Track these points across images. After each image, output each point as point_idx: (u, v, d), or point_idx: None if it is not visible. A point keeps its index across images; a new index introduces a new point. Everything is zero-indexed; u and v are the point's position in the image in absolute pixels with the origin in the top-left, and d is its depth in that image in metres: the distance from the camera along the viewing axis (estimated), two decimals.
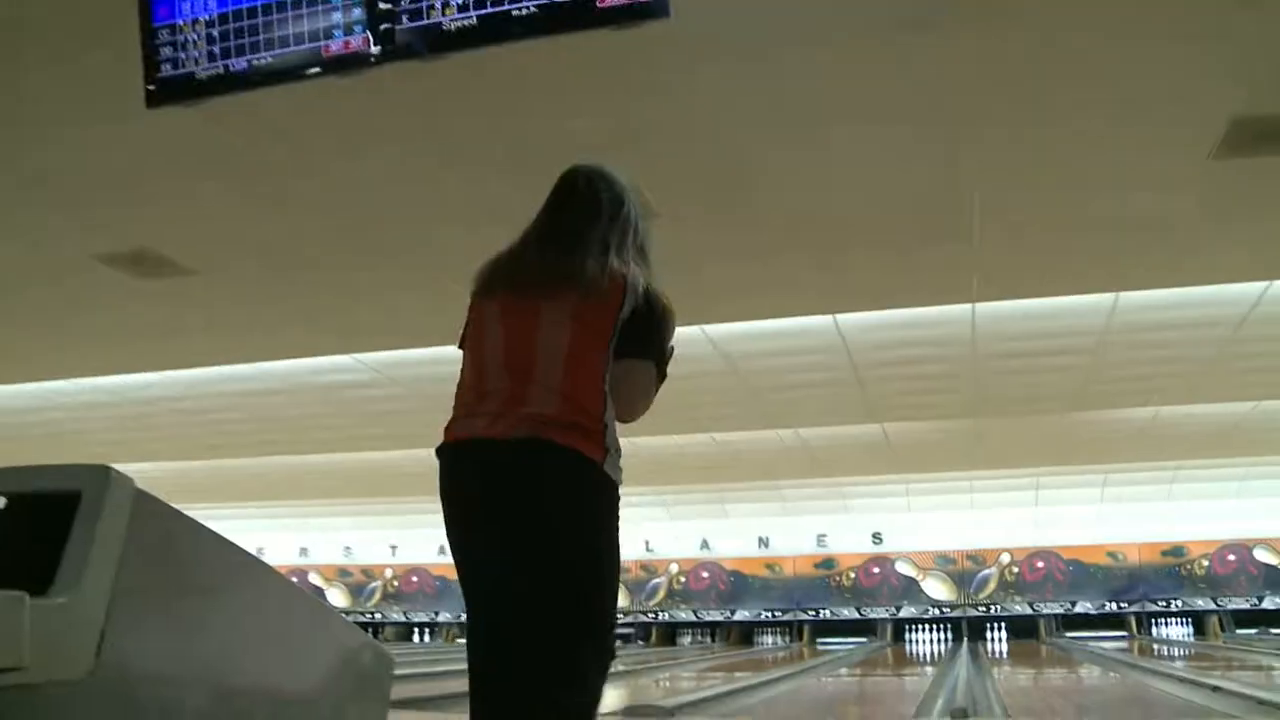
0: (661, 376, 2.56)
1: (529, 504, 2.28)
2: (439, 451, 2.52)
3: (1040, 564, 20.74)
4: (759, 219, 6.98)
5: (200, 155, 5.95)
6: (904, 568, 21.13)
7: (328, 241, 7.38)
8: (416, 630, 23.66)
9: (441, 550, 22.37)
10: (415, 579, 23.50)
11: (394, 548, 23.53)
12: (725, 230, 7.19)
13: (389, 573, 23.74)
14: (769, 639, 21.36)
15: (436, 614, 23.25)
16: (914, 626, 21.10)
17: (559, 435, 2.27)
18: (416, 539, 23.02)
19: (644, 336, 2.47)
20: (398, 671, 9.57)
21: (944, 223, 7.14)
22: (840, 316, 9.48)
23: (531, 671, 2.26)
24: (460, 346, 2.61)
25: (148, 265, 7.70)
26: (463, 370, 2.55)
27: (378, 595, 23.77)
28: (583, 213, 2.55)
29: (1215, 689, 7.53)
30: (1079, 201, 6.85)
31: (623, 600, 21.75)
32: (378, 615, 23.48)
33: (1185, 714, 7.06)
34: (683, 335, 8.80)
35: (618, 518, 2.34)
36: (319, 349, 10.48)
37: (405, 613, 23.53)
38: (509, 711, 2.28)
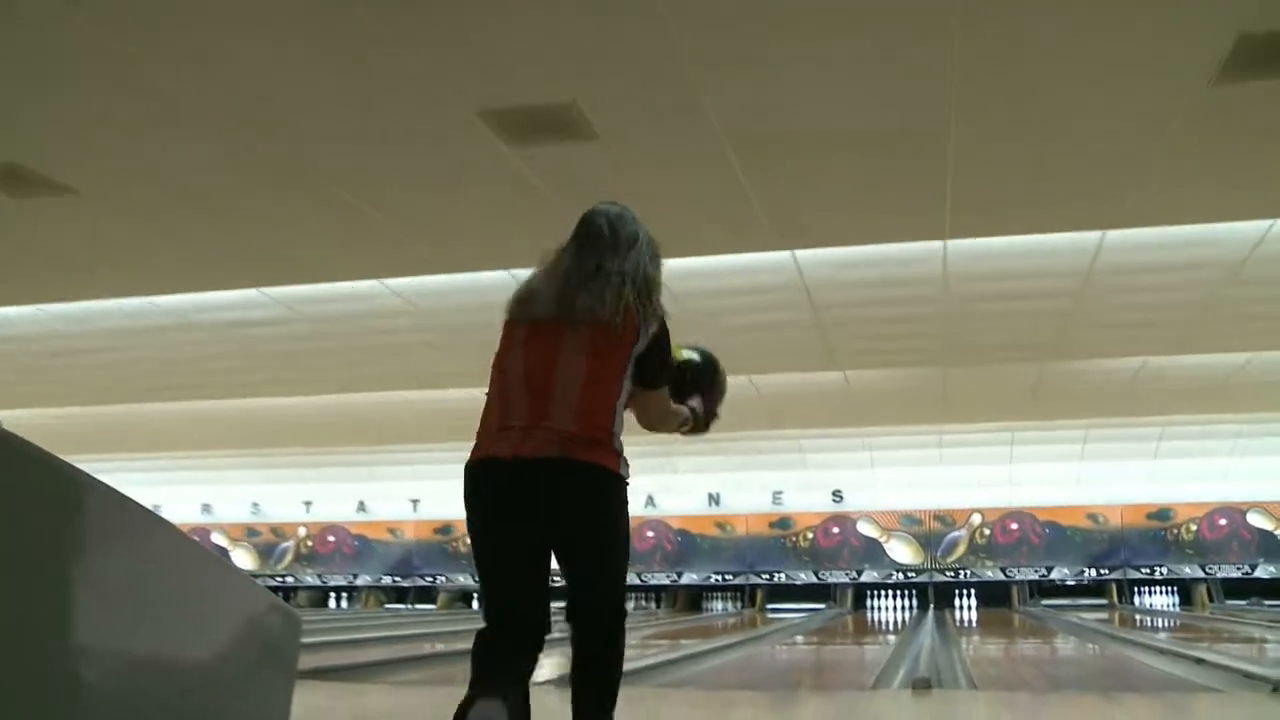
0: (711, 418, 3.53)
1: (555, 511, 2.93)
2: (470, 466, 3.04)
3: (1014, 526, 20.95)
4: (707, 142, 6.90)
5: (69, 51, 5.69)
6: (866, 528, 21.27)
7: (226, 159, 7.22)
8: (333, 595, 23.68)
9: (361, 507, 22.81)
10: (332, 539, 23.48)
11: (308, 504, 23.47)
12: (669, 155, 7.12)
13: (302, 531, 23.69)
14: (718, 604, 21.54)
15: (355, 577, 23.26)
16: (876, 592, 21.26)
17: (582, 452, 2.92)
18: (333, 494, 23.03)
19: (656, 369, 3.19)
20: (314, 640, 9.43)
21: (915, 150, 7.10)
22: (799, 253, 9.47)
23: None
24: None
25: (17, 181, 7.49)
26: (489, 387, 3.16)
27: (289, 556, 23.73)
28: (604, 251, 3.17)
29: (1199, 661, 7.85)
30: (1065, 129, 6.82)
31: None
32: (289, 578, 23.47)
33: (1165, 687, 7.26)
34: None
35: (628, 511, 3.09)
36: (221, 281, 10.31)
37: (320, 576, 23.51)
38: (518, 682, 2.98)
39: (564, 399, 2.97)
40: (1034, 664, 10.12)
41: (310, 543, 23.66)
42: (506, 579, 3.02)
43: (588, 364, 3.01)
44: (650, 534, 21.55)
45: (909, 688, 6.21)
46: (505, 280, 9.99)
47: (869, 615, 19.98)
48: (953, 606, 20.74)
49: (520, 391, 3.04)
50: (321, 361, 12.93)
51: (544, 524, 2.96)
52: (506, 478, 2.95)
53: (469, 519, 3.05)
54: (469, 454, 3.08)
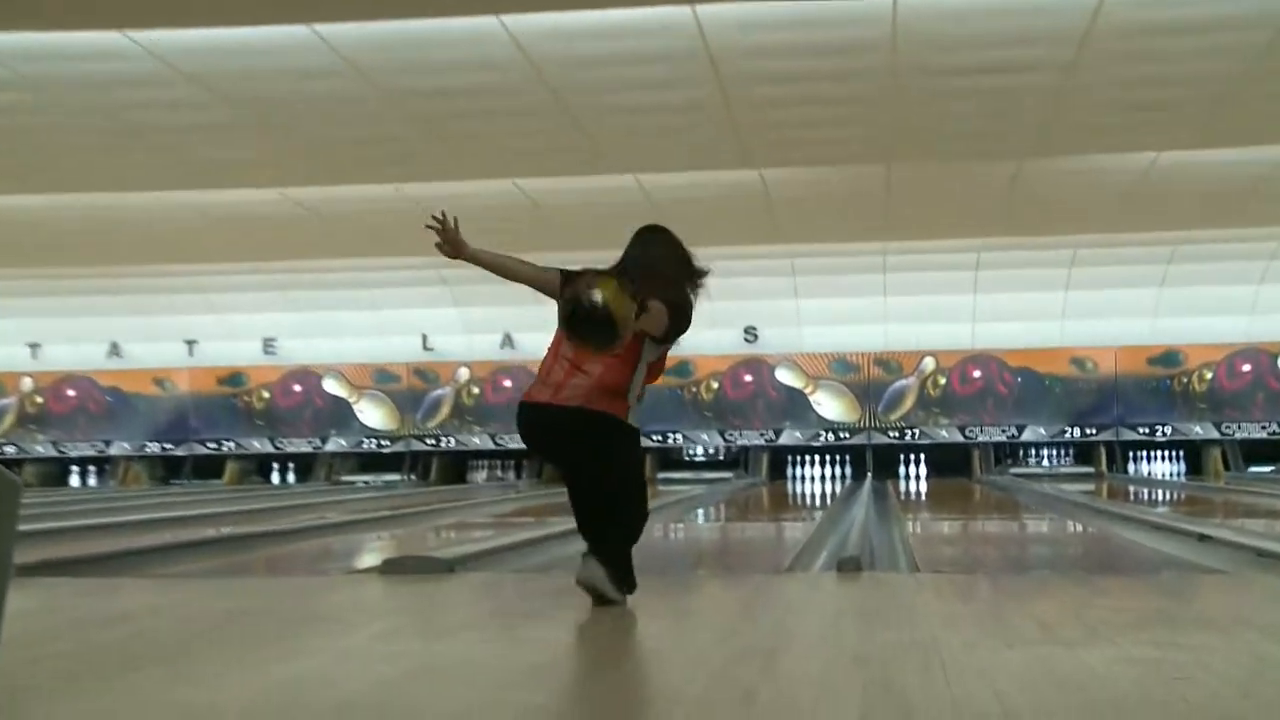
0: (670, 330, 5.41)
1: (577, 441, 5.34)
2: (520, 405, 5.40)
3: (977, 374, 21.25)
4: None
5: None
6: (787, 376, 21.47)
7: None
8: (77, 469, 23.68)
9: (114, 351, 22.43)
10: (72, 393, 23.19)
11: (35, 346, 22.96)
12: None
13: (27, 384, 23.32)
14: None
15: (108, 445, 23.10)
16: (799, 457, 21.60)
17: (594, 402, 5.21)
18: (73, 332, 22.49)
19: (664, 338, 5.41)
20: (50, 525, 9.22)
21: None
22: (701, 7, 9.41)
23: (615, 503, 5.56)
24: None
25: None
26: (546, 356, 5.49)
27: (9, 419, 23.40)
28: (635, 268, 5.42)
29: (1203, 538, 8.06)
30: None
31: (391, 422, 22.39)
32: (9, 448, 23.10)
33: (1158, 569, 7.57)
34: (476, 30, 9.57)
35: (635, 443, 5.51)
36: None
37: (57, 444, 23.30)
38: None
39: (590, 369, 5.24)
40: (996, 544, 10.45)
41: (40, 399, 23.30)
42: (563, 473, 5.70)
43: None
44: (508, 384, 21.65)
45: (834, 569, 6.46)
46: (307, 40, 9.90)
47: (789, 486, 20.23)
48: (896, 476, 21.03)
49: (562, 363, 5.30)
50: (47, 145, 12.70)
51: (570, 445, 5.40)
52: (542, 416, 5.32)
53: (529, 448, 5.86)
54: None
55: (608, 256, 5.34)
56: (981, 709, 3.03)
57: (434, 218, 5.31)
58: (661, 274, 5.33)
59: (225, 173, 13.57)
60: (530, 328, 20.79)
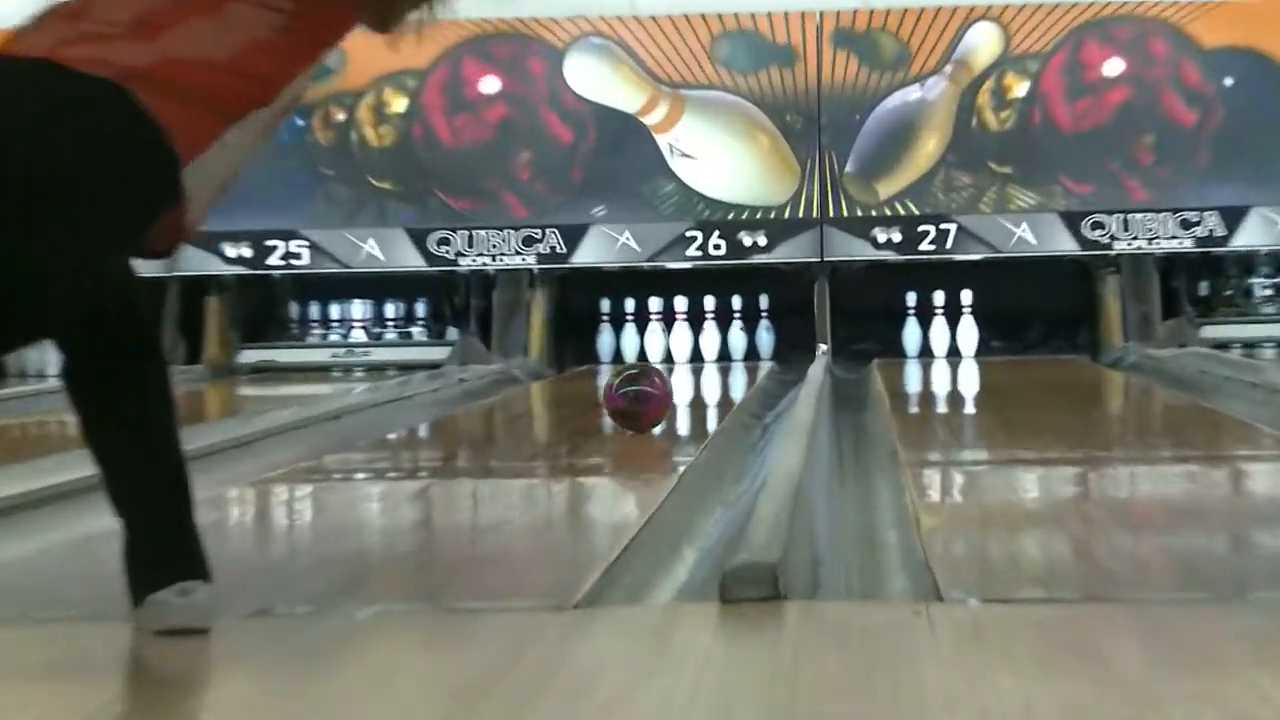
0: None
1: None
2: None
3: (1116, 68, 18.81)
4: None
5: None
6: (595, 80, 19.27)
7: None
8: None
9: None
10: None
11: None
12: None
13: None
14: (51, 358, 20.07)
15: None
16: (631, 301, 19.78)
17: (151, 92, 5.51)
18: None
19: None
20: None
21: None
22: None
23: None
24: None
25: None
26: None
27: None
28: None
29: None
30: None
31: None
32: None
33: None
34: None
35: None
36: None
37: None
38: None
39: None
40: (1158, 526, 9.05)
41: None
42: None
43: None
44: None
45: (712, 600, 5.92)
46: None
47: (605, 382, 16.97)
48: (897, 349, 19.06)
49: None
50: None
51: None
52: None
53: None
54: None
55: None
56: None
57: None
58: None
59: None
60: None
